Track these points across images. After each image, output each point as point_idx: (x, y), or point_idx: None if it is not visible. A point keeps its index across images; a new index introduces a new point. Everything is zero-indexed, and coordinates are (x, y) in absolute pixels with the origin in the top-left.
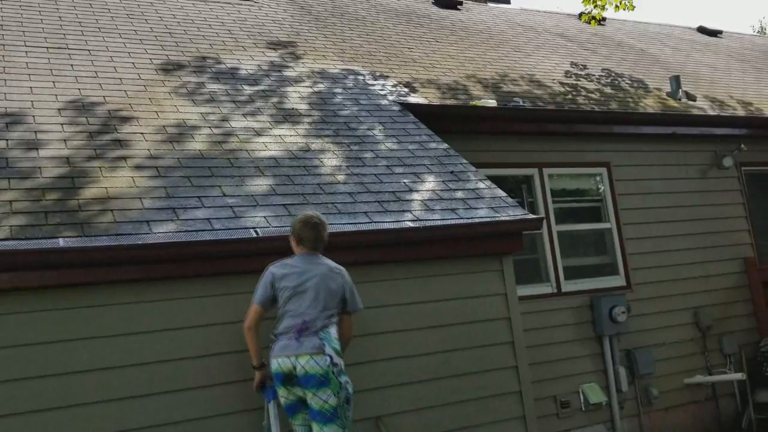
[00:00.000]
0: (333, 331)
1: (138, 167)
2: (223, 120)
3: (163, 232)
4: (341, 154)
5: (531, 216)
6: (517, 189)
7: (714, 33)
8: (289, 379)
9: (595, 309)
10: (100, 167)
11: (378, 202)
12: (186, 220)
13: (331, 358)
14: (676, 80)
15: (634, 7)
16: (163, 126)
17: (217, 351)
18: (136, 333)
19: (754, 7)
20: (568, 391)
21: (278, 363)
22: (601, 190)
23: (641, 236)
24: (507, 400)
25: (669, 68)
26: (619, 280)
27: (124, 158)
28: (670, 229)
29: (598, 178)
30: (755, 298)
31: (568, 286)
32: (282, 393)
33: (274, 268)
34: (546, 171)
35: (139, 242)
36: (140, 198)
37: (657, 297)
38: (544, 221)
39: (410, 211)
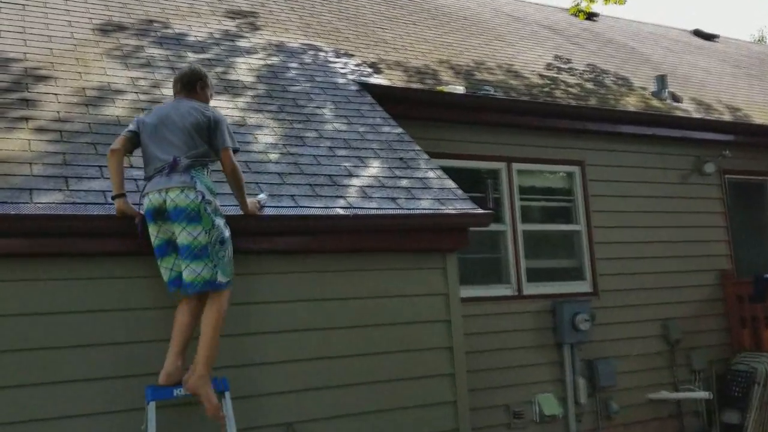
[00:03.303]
0: (206, 171)
1: (39, 130)
2: (153, 86)
3: (45, 202)
4: (280, 132)
5: (478, 211)
6: (482, 183)
7: (710, 37)
8: (159, 213)
9: (556, 315)
10: None
11: (310, 185)
12: (77, 191)
13: (203, 194)
14: (661, 79)
15: (625, 1)
16: (83, 88)
17: (97, 341)
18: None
19: (755, 15)
20: (522, 400)
21: (149, 198)
22: (573, 190)
23: (612, 241)
24: (439, 410)
25: (658, 68)
26: (585, 286)
27: (26, 119)
28: (643, 235)
29: (570, 177)
30: (729, 313)
31: (529, 289)
32: (152, 230)
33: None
34: (515, 166)
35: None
36: (30, 163)
37: (625, 306)
38: (509, 219)
39: (344, 198)
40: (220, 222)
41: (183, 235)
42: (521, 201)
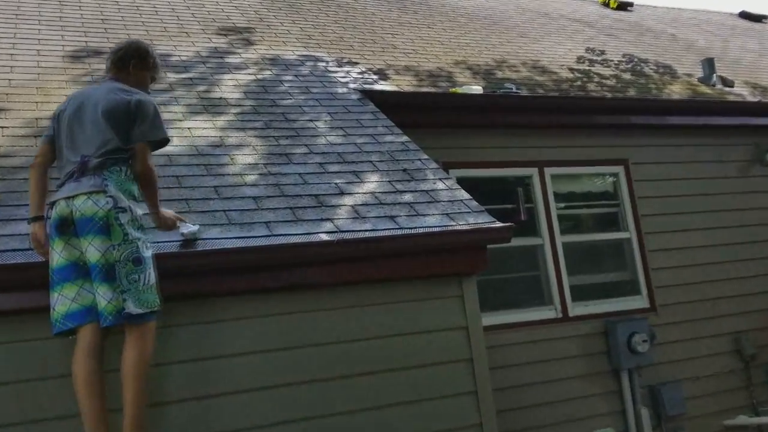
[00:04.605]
0: (126, 170)
1: None
2: None
3: None
4: (262, 150)
5: (494, 224)
6: (511, 192)
7: (758, 18)
8: (65, 225)
9: (610, 337)
10: None
11: (291, 208)
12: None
13: (115, 201)
14: (709, 63)
15: None
16: (36, 119)
17: (20, 419)
18: None
19: None
20: None
21: (55, 209)
22: (617, 193)
23: (668, 247)
24: None
25: (703, 54)
26: (640, 301)
27: None
28: (703, 238)
29: (613, 179)
30: None
31: (576, 310)
32: (57, 247)
33: (61, 104)
34: (548, 171)
35: None
36: None
37: (688, 320)
38: (546, 231)
39: (332, 220)
40: (136, 236)
41: (91, 252)
42: (558, 210)
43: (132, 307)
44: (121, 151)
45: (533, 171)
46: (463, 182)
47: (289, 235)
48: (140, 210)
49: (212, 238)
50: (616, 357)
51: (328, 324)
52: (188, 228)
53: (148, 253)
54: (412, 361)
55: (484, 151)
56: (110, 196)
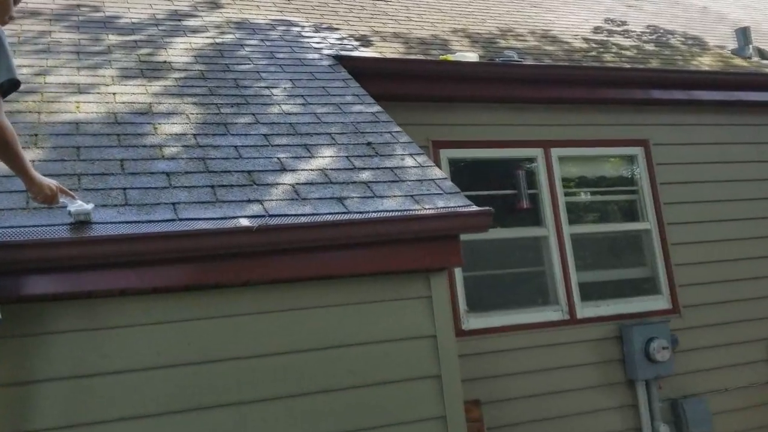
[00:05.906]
0: None
1: None
2: (38, 74)
3: None
4: (197, 119)
5: (469, 208)
6: (512, 176)
7: None
8: None
9: (625, 342)
10: None
11: (211, 186)
12: None
13: None
14: (744, 33)
15: None
16: None
17: None
18: None
19: None
20: None
21: None
22: (635, 178)
23: (694, 240)
24: None
25: (738, 26)
26: (661, 302)
27: None
28: (735, 230)
29: (631, 162)
30: None
31: (585, 311)
32: None
33: None
34: (555, 152)
35: None
36: None
37: (716, 324)
38: (551, 221)
39: (261, 202)
40: None
41: None
42: (567, 197)
43: None
44: None
45: (538, 152)
46: (456, 164)
47: (198, 219)
48: None
49: (96, 222)
50: (632, 366)
51: (251, 333)
52: (77, 206)
53: None
54: (363, 379)
55: (481, 129)
56: None
